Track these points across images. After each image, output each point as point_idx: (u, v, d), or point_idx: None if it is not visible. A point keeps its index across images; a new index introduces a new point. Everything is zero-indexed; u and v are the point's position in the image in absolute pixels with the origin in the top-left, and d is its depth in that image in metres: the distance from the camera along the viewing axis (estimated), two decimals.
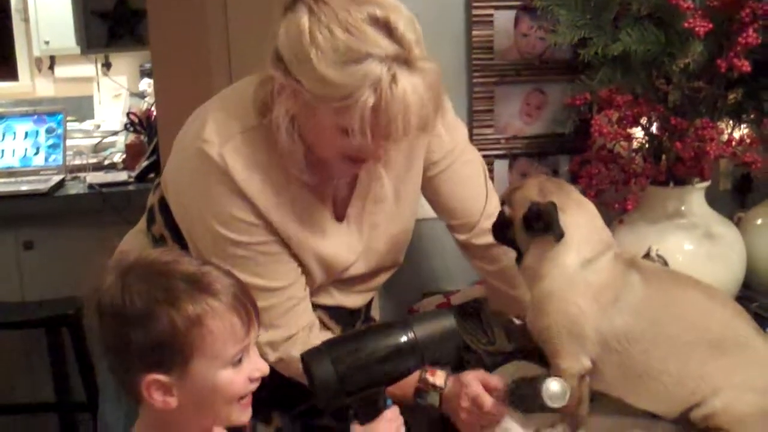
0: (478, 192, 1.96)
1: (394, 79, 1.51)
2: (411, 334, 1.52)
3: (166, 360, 1.30)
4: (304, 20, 1.53)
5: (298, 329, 1.77)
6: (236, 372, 1.36)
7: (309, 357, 1.49)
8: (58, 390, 3.46)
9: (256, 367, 1.39)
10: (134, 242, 1.92)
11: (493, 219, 1.83)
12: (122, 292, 1.31)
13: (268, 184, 1.69)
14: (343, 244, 1.82)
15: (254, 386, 1.39)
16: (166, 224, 1.83)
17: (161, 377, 1.31)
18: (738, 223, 2.21)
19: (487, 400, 1.74)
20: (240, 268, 1.65)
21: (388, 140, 1.59)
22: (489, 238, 1.86)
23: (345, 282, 1.88)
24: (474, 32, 2.33)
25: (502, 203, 1.80)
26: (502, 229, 1.79)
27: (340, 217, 1.82)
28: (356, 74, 1.50)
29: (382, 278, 1.96)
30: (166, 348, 1.29)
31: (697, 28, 1.84)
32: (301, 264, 1.78)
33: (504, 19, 2.33)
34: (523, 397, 1.69)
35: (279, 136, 1.62)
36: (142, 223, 1.93)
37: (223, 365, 1.34)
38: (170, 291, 1.31)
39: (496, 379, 1.77)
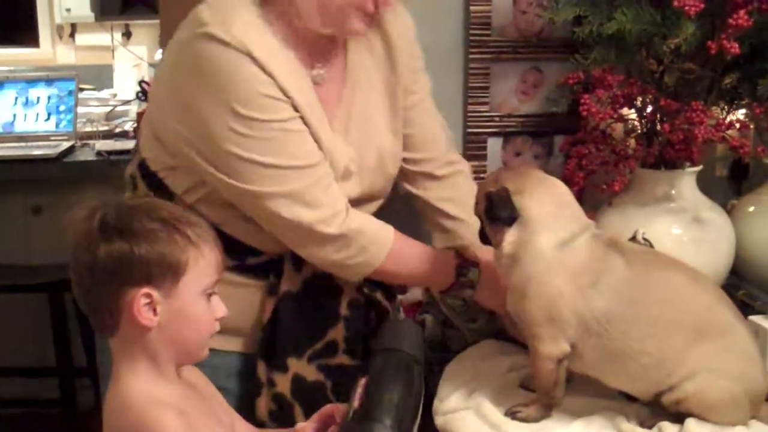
0: (443, 130, 2.03)
1: None
2: (408, 354, 1.53)
3: (160, 273, 1.45)
4: None
5: (345, 205, 1.77)
6: (208, 307, 1.51)
7: None
8: (59, 354, 3.49)
9: (220, 306, 1.54)
10: None
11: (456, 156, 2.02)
12: (130, 214, 1.47)
13: (282, 65, 1.72)
14: (336, 144, 1.82)
15: (218, 326, 1.55)
16: (150, 186, 1.85)
17: (153, 291, 1.45)
18: (731, 210, 2.18)
19: None
20: (267, 151, 1.69)
21: None
22: (451, 168, 1.99)
23: None
24: (472, 8, 2.29)
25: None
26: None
27: (329, 119, 1.83)
28: None
29: (372, 208, 1.94)
30: (164, 262, 1.45)
31: (687, 8, 1.81)
32: None
33: None
34: None
35: None
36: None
37: (202, 292, 1.50)
38: (173, 214, 1.51)
39: None
